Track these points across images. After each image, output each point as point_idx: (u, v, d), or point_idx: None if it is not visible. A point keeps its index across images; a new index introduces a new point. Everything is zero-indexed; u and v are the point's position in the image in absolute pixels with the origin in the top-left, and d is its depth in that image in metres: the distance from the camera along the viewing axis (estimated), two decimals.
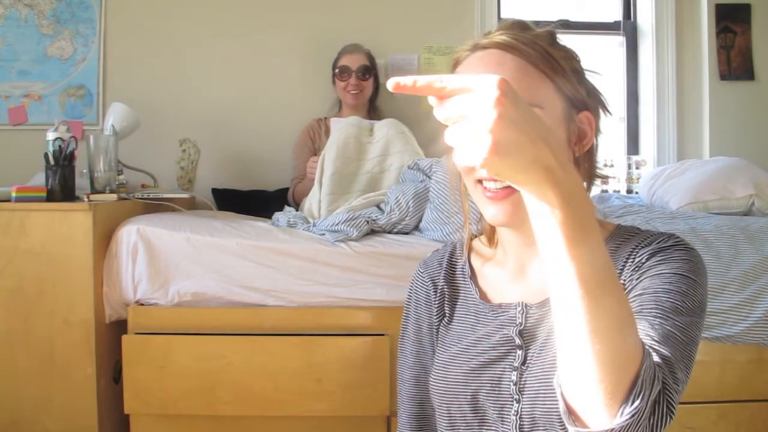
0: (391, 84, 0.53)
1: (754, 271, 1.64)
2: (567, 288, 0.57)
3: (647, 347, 0.62)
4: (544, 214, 0.56)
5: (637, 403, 0.57)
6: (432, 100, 0.54)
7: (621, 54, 3.09)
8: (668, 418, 0.61)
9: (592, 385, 0.58)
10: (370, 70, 2.54)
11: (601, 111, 0.88)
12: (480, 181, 0.80)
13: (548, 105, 0.79)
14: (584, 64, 0.87)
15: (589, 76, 0.87)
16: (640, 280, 0.76)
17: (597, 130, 0.87)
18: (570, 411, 0.61)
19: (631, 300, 0.74)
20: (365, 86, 2.53)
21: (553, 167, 0.54)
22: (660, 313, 0.70)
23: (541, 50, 0.79)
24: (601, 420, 0.58)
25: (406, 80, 0.53)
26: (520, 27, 0.82)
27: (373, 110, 2.64)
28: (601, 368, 0.57)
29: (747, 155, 2.48)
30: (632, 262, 0.79)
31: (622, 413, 0.57)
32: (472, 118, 0.52)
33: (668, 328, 0.68)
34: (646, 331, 0.67)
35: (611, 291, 0.58)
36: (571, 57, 0.84)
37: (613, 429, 0.58)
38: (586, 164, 0.85)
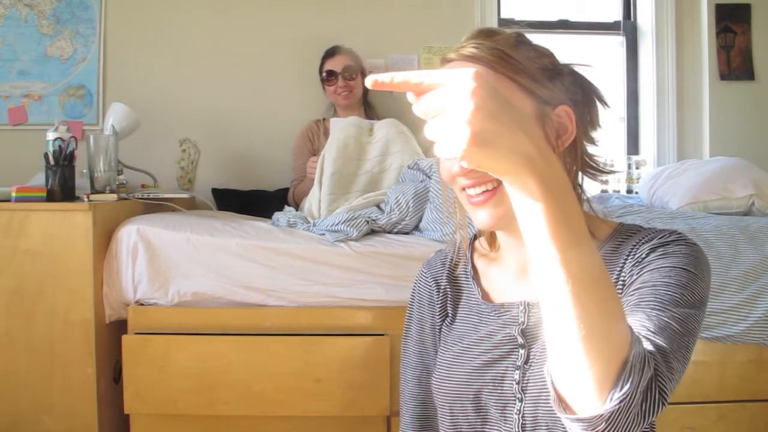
0: (369, 81, 0.55)
1: (754, 271, 1.64)
2: (552, 275, 0.58)
3: (638, 335, 0.62)
4: (526, 203, 0.57)
5: (626, 388, 0.57)
6: (411, 97, 0.55)
7: (621, 54, 3.09)
8: (660, 405, 0.61)
9: (581, 372, 0.58)
10: (355, 69, 2.54)
11: (598, 103, 0.87)
12: (464, 189, 0.81)
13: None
14: (569, 59, 0.86)
15: (583, 71, 0.87)
16: (641, 274, 0.76)
17: (588, 123, 0.86)
18: (560, 399, 0.61)
19: (630, 294, 0.74)
20: (354, 86, 2.54)
21: (533, 155, 0.55)
22: (657, 305, 0.70)
23: (501, 54, 0.79)
24: (591, 407, 0.58)
25: (384, 77, 0.55)
26: (484, 35, 0.82)
27: (367, 107, 2.65)
28: (589, 354, 0.57)
29: (747, 155, 2.49)
30: (633, 257, 0.79)
31: (611, 398, 0.57)
32: (449, 111, 0.52)
33: (665, 319, 0.68)
34: (642, 322, 0.67)
35: (596, 276, 0.58)
36: (540, 55, 0.83)
37: (602, 415, 0.58)
38: (570, 158, 0.84)
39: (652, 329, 0.66)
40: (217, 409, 1.63)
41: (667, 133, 2.95)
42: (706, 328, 1.59)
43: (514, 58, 0.79)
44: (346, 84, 2.52)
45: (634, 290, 0.74)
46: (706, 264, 0.77)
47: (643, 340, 0.64)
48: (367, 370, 1.62)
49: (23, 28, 2.65)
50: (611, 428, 0.58)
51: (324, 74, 2.56)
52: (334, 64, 2.54)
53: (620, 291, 0.77)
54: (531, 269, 0.86)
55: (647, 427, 0.81)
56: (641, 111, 3.07)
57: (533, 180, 0.55)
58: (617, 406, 0.57)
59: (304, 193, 2.26)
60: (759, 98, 2.89)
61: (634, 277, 0.76)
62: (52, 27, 2.66)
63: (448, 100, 0.53)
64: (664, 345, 0.65)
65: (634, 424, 0.59)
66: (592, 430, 0.58)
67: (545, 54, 0.84)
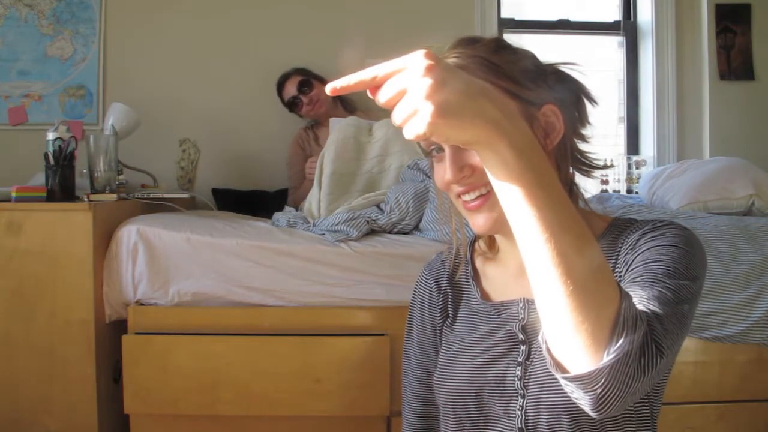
0: (327, 89, 0.57)
1: (754, 271, 1.64)
2: (532, 236, 0.58)
3: (626, 291, 0.62)
4: (500, 169, 0.58)
5: (621, 341, 0.58)
6: (370, 94, 0.57)
7: (621, 54, 3.09)
8: (658, 358, 0.60)
9: (573, 330, 0.58)
10: (308, 81, 2.55)
11: (585, 100, 0.87)
12: (460, 195, 0.82)
13: None
14: (556, 59, 0.87)
15: (569, 69, 0.87)
16: (635, 257, 0.77)
17: (577, 121, 0.86)
18: (557, 365, 0.61)
19: (626, 275, 0.75)
20: (316, 95, 2.54)
21: (499, 119, 0.56)
22: (649, 278, 0.70)
23: (481, 61, 0.79)
24: (588, 364, 0.58)
25: (340, 82, 0.57)
26: (464, 43, 0.82)
27: (343, 102, 2.64)
28: (578, 311, 0.58)
29: (747, 155, 2.48)
30: (627, 245, 0.80)
31: (608, 353, 0.58)
32: (409, 92, 0.54)
33: (658, 288, 0.68)
34: (634, 292, 0.67)
35: (575, 232, 0.59)
36: (521, 58, 0.83)
37: (601, 369, 0.57)
38: (561, 156, 0.84)
39: (645, 297, 0.67)
40: (217, 409, 1.63)
41: (667, 133, 2.95)
42: (705, 328, 1.59)
43: (494, 63, 0.79)
44: (309, 98, 2.54)
45: (629, 272, 0.75)
46: (699, 246, 0.78)
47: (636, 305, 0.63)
48: (367, 370, 1.63)
49: (23, 28, 2.65)
50: (612, 384, 0.58)
51: (287, 103, 2.59)
52: (289, 91, 2.57)
53: (619, 280, 0.77)
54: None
55: (648, 426, 0.81)
56: (641, 111, 3.07)
57: (502, 143, 0.56)
58: (615, 359, 0.57)
59: (302, 198, 2.27)
60: (759, 98, 2.89)
61: (629, 262, 0.77)
62: (52, 27, 2.66)
63: (406, 83, 0.54)
64: (658, 310, 0.65)
65: (634, 379, 0.59)
66: (593, 387, 0.58)
67: (526, 56, 0.84)
